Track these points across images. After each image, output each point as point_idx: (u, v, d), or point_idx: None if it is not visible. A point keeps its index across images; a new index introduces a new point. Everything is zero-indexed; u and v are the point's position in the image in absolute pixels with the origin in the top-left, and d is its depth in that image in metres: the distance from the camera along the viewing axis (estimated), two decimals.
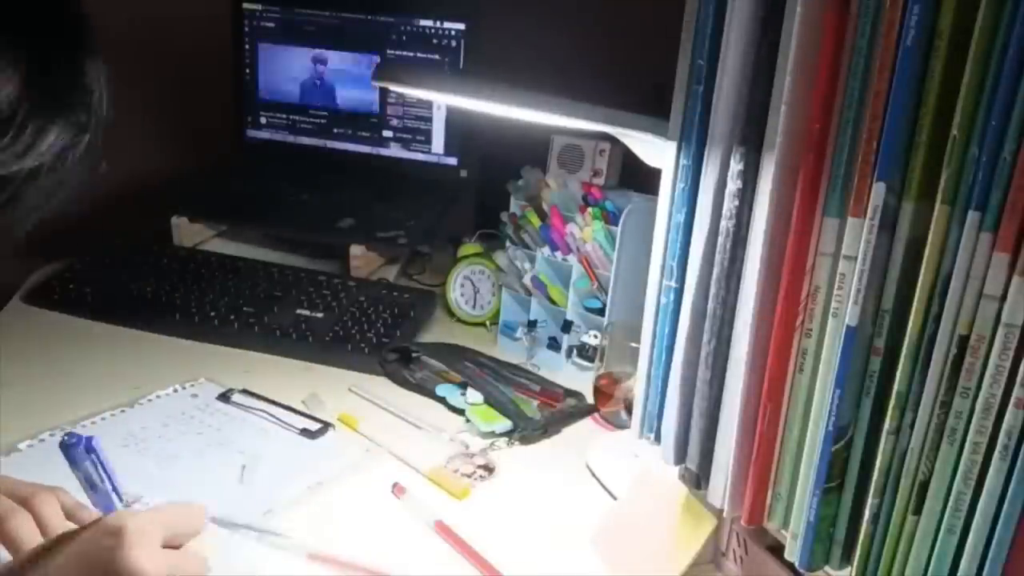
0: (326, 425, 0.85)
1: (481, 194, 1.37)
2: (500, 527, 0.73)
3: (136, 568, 0.48)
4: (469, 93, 0.67)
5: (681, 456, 0.58)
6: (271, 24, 1.35)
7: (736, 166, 0.52)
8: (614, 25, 1.25)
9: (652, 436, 0.61)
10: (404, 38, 1.29)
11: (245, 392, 0.90)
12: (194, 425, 0.84)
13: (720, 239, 0.53)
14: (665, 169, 0.58)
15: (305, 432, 0.84)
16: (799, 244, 0.49)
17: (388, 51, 1.29)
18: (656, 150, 0.63)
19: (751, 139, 0.51)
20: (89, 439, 0.56)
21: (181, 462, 0.78)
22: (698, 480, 0.58)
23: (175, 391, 0.89)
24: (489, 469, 0.81)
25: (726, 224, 0.53)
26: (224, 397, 0.89)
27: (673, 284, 0.58)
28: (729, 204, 0.53)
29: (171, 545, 0.53)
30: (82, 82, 0.43)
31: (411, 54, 1.28)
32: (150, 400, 0.87)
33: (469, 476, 0.80)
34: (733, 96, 0.52)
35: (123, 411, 0.85)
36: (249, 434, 0.83)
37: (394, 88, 0.66)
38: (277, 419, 0.86)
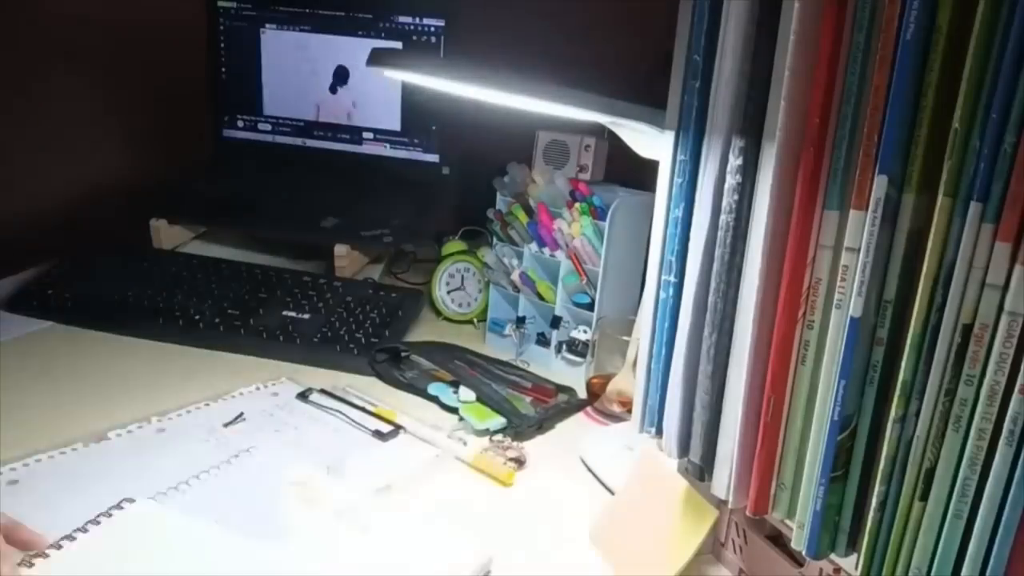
0: (397, 428, 0.86)
1: (463, 191, 1.37)
2: (497, 524, 0.74)
3: None
4: (464, 79, 0.67)
5: (684, 450, 0.59)
6: (246, 22, 1.34)
7: (735, 161, 0.52)
8: (597, 18, 1.26)
9: (653, 430, 0.62)
10: (383, 34, 1.28)
11: (323, 392, 0.92)
12: (273, 423, 0.85)
13: (720, 233, 0.54)
14: (662, 164, 0.59)
15: (377, 434, 0.85)
16: (800, 237, 0.50)
17: None
18: (650, 140, 0.63)
19: (750, 134, 0.51)
20: None
21: (256, 458, 0.78)
22: (701, 473, 0.58)
23: (257, 389, 0.92)
24: (520, 462, 0.81)
25: (726, 218, 0.53)
26: (303, 396, 0.90)
27: (672, 279, 0.58)
28: (728, 199, 0.53)
29: None
30: None
31: None
32: (233, 397, 0.90)
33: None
34: (731, 92, 0.52)
35: (207, 404, 0.88)
36: (324, 434, 0.85)
37: (389, 74, 0.66)
38: (351, 420, 0.87)
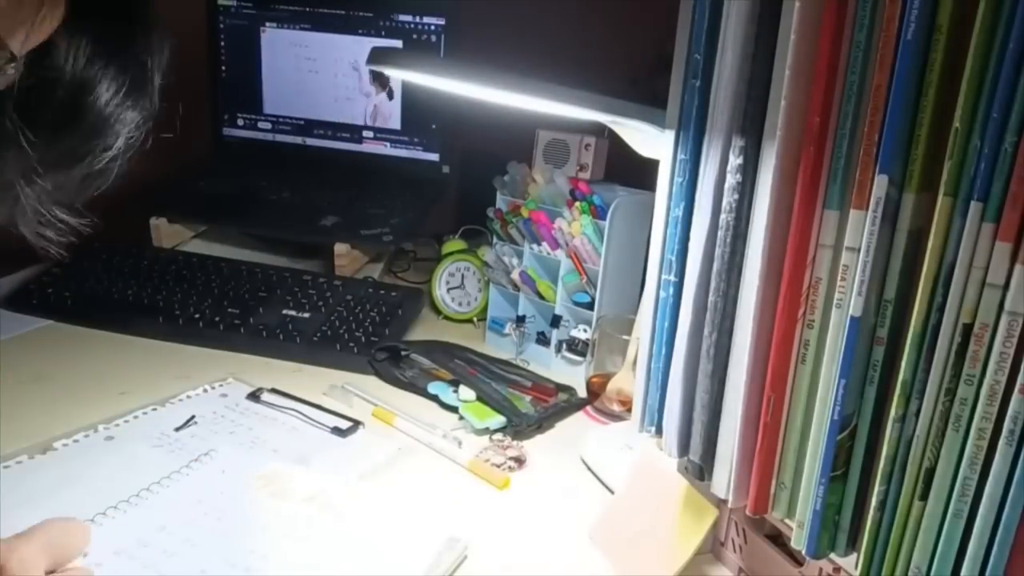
0: (356, 423, 0.85)
1: (463, 190, 1.37)
2: (497, 523, 0.74)
3: None
4: (464, 78, 0.67)
5: (684, 449, 0.59)
6: (246, 21, 1.34)
7: (735, 160, 0.52)
8: (597, 17, 1.26)
9: (653, 430, 0.62)
10: (383, 33, 1.28)
11: (274, 391, 0.90)
12: (226, 424, 0.84)
13: (720, 233, 0.54)
14: (663, 163, 0.59)
15: (336, 430, 0.84)
16: (800, 237, 0.50)
17: None
18: (650, 139, 0.63)
19: (750, 133, 0.51)
20: None
21: (217, 461, 0.76)
22: (701, 472, 0.58)
23: (204, 391, 0.90)
24: (520, 461, 0.82)
25: (726, 218, 0.53)
26: (254, 396, 0.89)
27: (672, 278, 0.58)
28: (729, 198, 0.53)
29: (55, 568, 0.53)
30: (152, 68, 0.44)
31: None
32: (180, 400, 0.88)
33: (499, 467, 0.80)
34: (731, 91, 0.52)
35: (155, 409, 0.85)
36: (282, 433, 0.83)
37: (389, 72, 0.66)
38: (308, 418, 0.86)
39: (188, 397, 0.88)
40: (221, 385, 0.91)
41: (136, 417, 0.83)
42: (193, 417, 0.84)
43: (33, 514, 0.59)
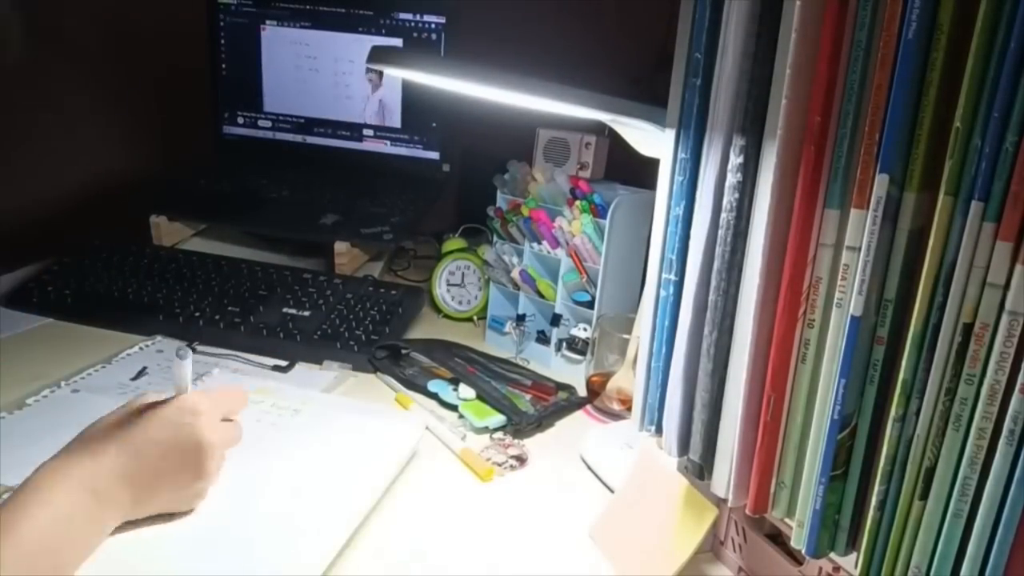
0: (292, 363, 0.93)
1: (464, 189, 1.37)
2: (497, 520, 0.74)
3: (210, 441, 0.65)
4: (464, 77, 0.66)
5: (684, 448, 0.59)
6: (246, 19, 1.33)
7: (736, 159, 0.52)
8: (598, 16, 1.26)
9: (653, 429, 0.62)
10: (384, 31, 1.28)
11: (202, 344, 0.98)
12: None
13: (720, 231, 0.54)
14: (663, 162, 0.58)
15: (276, 368, 0.92)
16: (800, 236, 0.50)
17: None
18: (651, 138, 0.63)
19: (751, 132, 0.51)
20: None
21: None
22: (701, 471, 0.58)
23: (141, 349, 0.97)
24: (522, 460, 0.82)
25: (726, 216, 0.53)
26: (190, 348, 0.95)
27: (673, 277, 0.58)
28: (729, 197, 0.53)
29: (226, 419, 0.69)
30: None
31: None
32: (121, 358, 0.94)
33: (500, 465, 0.80)
34: (732, 90, 0.52)
35: (104, 367, 0.91)
36: (230, 374, 0.91)
37: (389, 71, 0.66)
38: (247, 360, 0.94)
39: (129, 355, 0.94)
40: (152, 343, 0.98)
41: (90, 374, 0.89)
42: (145, 368, 0.90)
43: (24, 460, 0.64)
